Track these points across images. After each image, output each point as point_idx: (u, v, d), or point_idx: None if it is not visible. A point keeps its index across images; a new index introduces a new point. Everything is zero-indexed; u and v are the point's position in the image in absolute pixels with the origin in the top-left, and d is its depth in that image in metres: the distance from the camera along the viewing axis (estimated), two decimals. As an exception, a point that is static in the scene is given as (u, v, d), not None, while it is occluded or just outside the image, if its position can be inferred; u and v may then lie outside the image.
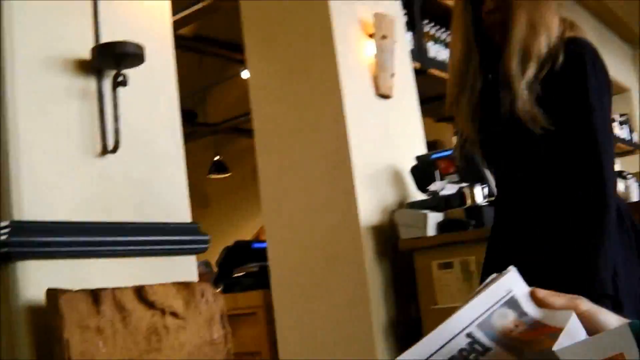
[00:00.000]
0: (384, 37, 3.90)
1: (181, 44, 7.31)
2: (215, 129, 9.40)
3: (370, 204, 3.58)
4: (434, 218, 3.46)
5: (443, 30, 5.27)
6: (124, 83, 2.41)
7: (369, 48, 3.95)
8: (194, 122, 9.61)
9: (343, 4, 3.81)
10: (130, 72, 2.42)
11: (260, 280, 3.95)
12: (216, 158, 9.41)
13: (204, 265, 5.56)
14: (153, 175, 2.52)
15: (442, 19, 5.21)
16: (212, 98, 9.50)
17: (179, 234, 2.60)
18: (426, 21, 5.20)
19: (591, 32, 7.96)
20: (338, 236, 3.56)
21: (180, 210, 2.61)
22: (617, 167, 7.32)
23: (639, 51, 9.53)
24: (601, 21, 8.32)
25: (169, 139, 2.62)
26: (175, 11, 6.52)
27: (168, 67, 2.69)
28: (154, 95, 2.60)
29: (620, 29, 8.80)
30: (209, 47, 7.38)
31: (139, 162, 2.48)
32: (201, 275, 3.51)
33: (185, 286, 2.42)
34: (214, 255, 4.79)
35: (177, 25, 6.93)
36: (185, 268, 2.59)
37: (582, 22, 7.43)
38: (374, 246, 3.52)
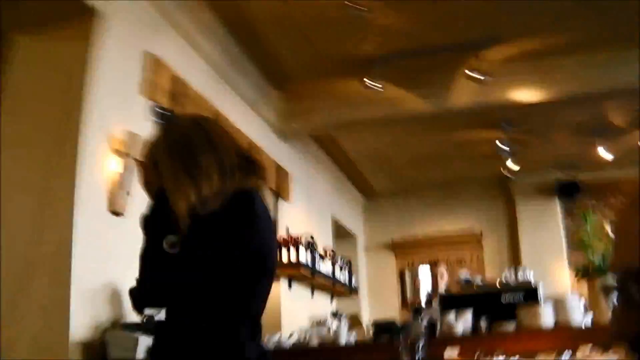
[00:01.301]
0: (128, 155, 3.97)
1: None
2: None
3: (85, 319, 3.56)
4: (145, 342, 3.44)
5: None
6: None
7: (113, 164, 4.00)
8: None
9: (95, 115, 3.85)
10: None
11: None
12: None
13: None
14: None
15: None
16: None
17: None
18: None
19: (331, 179, 8.65)
20: (45, 349, 3.49)
21: None
22: (333, 307, 7.85)
23: (366, 203, 10.45)
24: (341, 170, 9.10)
25: None
26: None
27: None
28: None
29: (357, 180, 9.66)
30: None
31: None
32: None
33: None
34: None
35: None
36: None
37: (324, 169, 8.08)
38: (83, 361, 3.49)
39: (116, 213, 3.93)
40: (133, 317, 3.71)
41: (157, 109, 4.39)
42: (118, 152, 4.01)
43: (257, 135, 6.29)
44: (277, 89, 6.61)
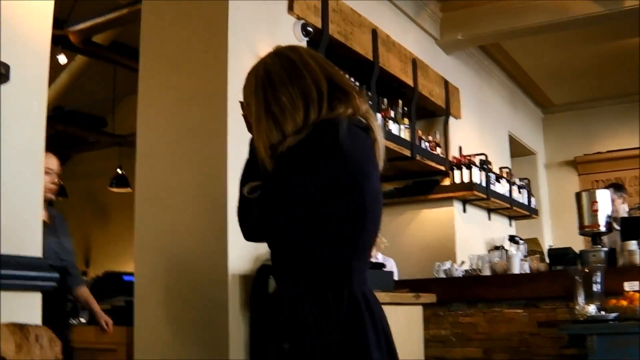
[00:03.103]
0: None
1: (94, 51, 7.20)
2: (120, 140, 9.21)
3: (242, 250, 3.47)
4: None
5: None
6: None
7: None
8: (101, 130, 9.47)
9: (241, 32, 3.70)
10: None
11: (126, 316, 3.80)
12: (118, 171, 9.21)
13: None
14: (3, 206, 2.36)
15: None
16: (123, 108, 9.36)
17: (24, 269, 2.44)
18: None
19: (505, 93, 8.10)
20: (205, 280, 3.43)
21: (29, 243, 2.45)
22: (512, 230, 7.44)
23: (545, 116, 9.76)
24: (515, 83, 8.48)
25: (27, 166, 2.45)
26: (91, 16, 6.41)
27: (38, 87, 2.52)
28: (16, 117, 2.43)
29: (533, 92, 9.00)
30: (122, 57, 7.23)
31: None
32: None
33: (18, 328, 2.27)
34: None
35: (92, 31, 6.81)
36: (29, 306, 2.43)
37: (496, 82, 7.59)
38: (241, 294, 3.41)
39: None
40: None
41: (307, 27, 4.14)
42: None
43: (420, 50, 5.92)
44: (436, -2, 6.18)
